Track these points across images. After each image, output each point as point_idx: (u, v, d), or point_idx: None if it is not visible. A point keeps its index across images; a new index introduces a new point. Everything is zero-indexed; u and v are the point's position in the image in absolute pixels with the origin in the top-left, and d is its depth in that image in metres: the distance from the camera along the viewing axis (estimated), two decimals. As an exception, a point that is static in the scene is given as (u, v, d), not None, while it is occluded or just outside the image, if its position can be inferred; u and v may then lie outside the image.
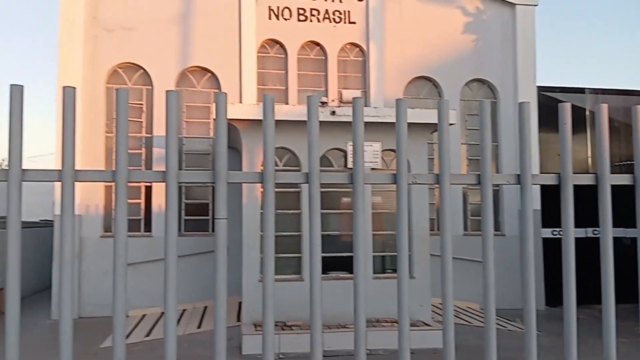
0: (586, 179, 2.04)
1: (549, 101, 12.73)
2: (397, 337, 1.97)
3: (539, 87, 12.13)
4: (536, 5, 12.17)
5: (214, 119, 8.25)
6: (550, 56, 43.20)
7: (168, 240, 1.84)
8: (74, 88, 1.84)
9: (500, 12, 12.20)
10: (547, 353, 7.14)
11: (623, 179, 2.05)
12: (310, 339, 1.89)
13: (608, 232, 2.00)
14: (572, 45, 46.67)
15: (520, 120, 1.98)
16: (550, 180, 2.02)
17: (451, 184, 1.97)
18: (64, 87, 1.81)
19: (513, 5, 12.10)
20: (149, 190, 10.75)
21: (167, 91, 1.89)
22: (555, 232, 10.95)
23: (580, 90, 12.48)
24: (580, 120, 12.87)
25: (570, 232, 1.98)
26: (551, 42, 42.77)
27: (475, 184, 1.99)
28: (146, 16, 10.96)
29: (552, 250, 10.68)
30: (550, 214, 10.34)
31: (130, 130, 10.92)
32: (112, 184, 1.84)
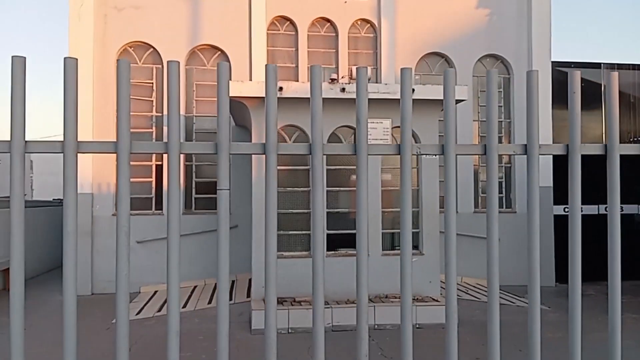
0: (595, 149, 2.00)
1: (563, 77, 12.50)
2: (400, 311, 1.96)
3: (553, 62, 11.90)
4: (552, -22, 11.85)
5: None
6: (567, 31, 42.28)
7: (171, 212, 1.84)
8: (76, 59, 1.82)
9: (515, -15, 11.91)
10: (555, 328, 7.15)
11: (633, 149, 2.01)
12: (313, 312, 1.89)
13: (616, 205, 1.96)
14: (589, 19, 45.59)
15: (528, 89, 1.94)
16: (558, 150, 1.98)
17: (457, 154, 1.93)
18: (65, 59, 1.79)
19: (528, -22, 11.81)
20: (159, 169, 10.80)
21: (168, 62, 1.87)
22: (567, 209, 10.82)
23: (597, 65, 12.21)
24: (595, 96, 12.64)
25: (577, 204, 1.94)
26: (568, 16, 41.82)
27: (482, 154, 1.95)
28: (155, -7, 10.88)
29: (564, 227, 10.58)
30: (563, 191, 10.23)
31: (141, 109, 11.03)
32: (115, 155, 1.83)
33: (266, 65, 1.86)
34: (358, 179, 1.87)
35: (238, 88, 7.98)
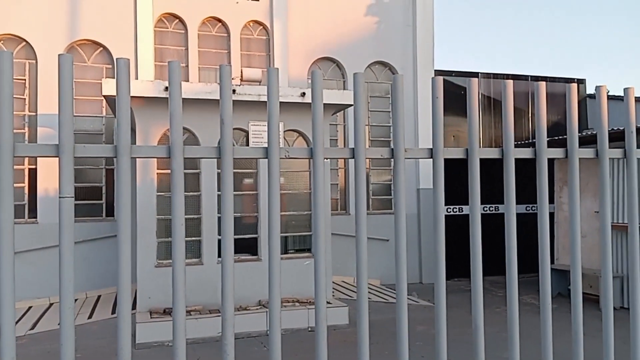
0: (457, 152, 2.07)
1: (446, 85, 13.29)
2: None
3: (436, 70, 12.61)
4: (434, -9, 12.55)
5: (105, 96, 7.73)
6: (450, 40, 45.18)
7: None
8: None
9: (401, -4, 12.45)
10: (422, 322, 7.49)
11: (491, 152, 2.11)
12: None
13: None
14: (470, 30, 49.10)
15: (392, 94, 1.96)
16: (422, 154, 2.03)
17: (325, 158, 1.91)
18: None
19: (413, -11, 12.40)
20: (33, 173, 9.92)
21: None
22: (449, 210, 11.51)
23: (474, 75, 13.12)
24: (474, 104, 13.57)
25: (440, 206, 2.00)
26: (450, 27, 44.69)
27: (350, 157, 1.95)
28: (27, -18, 9.98)
29: (449, 226, 11.24)
30: (448, 193, 10.84)
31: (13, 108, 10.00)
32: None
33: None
34: (223, 183, 1.77)
35: (120, 87, 7.52)
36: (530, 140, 12.50)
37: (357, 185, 1.94)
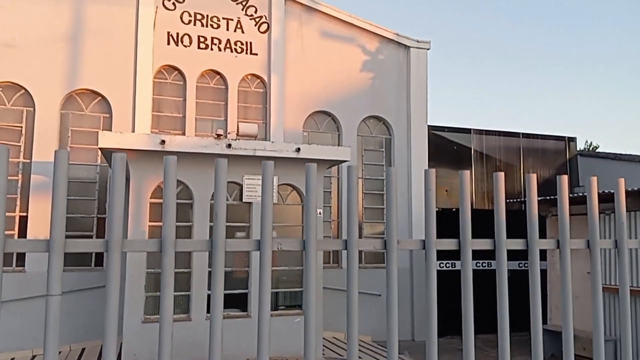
0: (450, 244, 2.08)
1: (439, 140, 13.51)
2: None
3: (430, 126, 12.82)
4: (428, 49, 12.91)
5: (100, 148, 7.77)
6: (443, 96, 46.20)
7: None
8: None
9: (396, 53, 12.80)
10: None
11: (484, 244, 2.12)
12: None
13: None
14: (463, 86, 50.29)
15: (386, 185, 1.98)
16: (415, 245, 2.03)
17: (317, 249, 1.91)
18: None
19: (407, 47, 12.76)
20: (23, 220, 9.83)
21: (56, 151, 1.62)
22: (442, 265, 11.44)
23: (467, 131, 13.36)
24: (466, 158, 13.76)
25: (432, 295, 1.99)
26: (444, 83, 45.81)
27: (343, 249, 1.95)
28: (32, 34, 10.18)
29: (442, 281, 11.18)
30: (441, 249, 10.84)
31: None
32: None
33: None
34: (213, 265, 1.76)
35: (116, 139, 7.58)
36: (521, 199, 12.59)
37: (349, 274, 1.93)
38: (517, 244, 2.17)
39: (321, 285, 8.59)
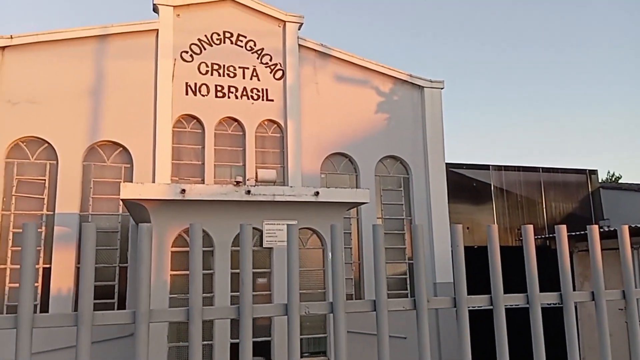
0: (481, 300, 2.02)
1: (457, 177, 13.44)
2: None
3: (448, 164, 12.78)
4: (442, 88, 13.01)
5: (122, 199, 7.86)
6: (460, 133, 46.23)
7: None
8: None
9: (410, 93, 12.91)
10: None
11: (516, 299, 2.06)
12: None
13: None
14: (479, 123, 50.35)
15: (413, 243, 1.96)
16: (445, 303, 1.99)
17: (346, 312, 1.87)
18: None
19: (421, 87, 12.87)
20: (47, 272, 9.90)
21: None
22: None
23: (485, 167, 13.29)
24: (487, 194, 13.63)
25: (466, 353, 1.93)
26: (460, 120, 45.92)
27: (372, 310, 1.91)
28: (55, 90, 10.53)
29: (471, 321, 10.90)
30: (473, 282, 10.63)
31: (31, 207, 10.23)
32: None
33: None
34: (241, 334, 1.73)
35: (137, 190, 7.68)
36: (545, 235, 12.34)
37: (379, 338, 1.88)
38: (551, 298, 2.11)
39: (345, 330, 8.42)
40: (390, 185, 12.60)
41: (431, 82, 12.90)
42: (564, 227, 2.14)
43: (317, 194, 8.44)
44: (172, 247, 8.02)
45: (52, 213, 10.24)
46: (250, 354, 1.73)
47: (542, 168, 13.61)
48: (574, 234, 8.99)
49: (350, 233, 11.96)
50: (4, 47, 10.36)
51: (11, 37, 10.39)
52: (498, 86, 49.64)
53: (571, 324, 2.09)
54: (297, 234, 1.82)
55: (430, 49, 50.15)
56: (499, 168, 13.32)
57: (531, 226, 2.09)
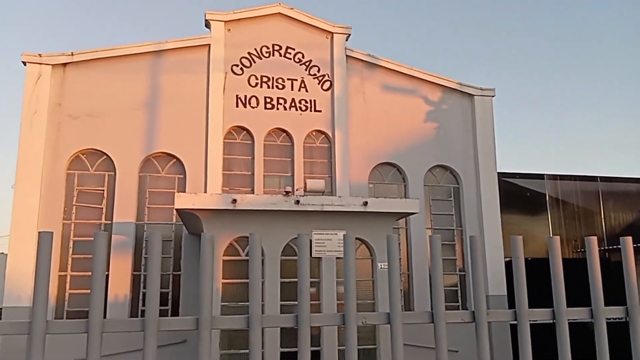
0: (543, 315, 1.97)
1: (510, 186, 13.10)
2: None
3: (500, 173, 12.47)
4: (493, 96, 12.75)
5: (176, 209, 8.10)
6: (512, 142, 45.06)
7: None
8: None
9: (460, 102, 12.72)
10: None
11: (579, 313, 1.99)
12: None
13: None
14: (532, 131, 48.92)
15: (471, 254, 1.93)
16: (505, 316, 1.94)
17: (403, 323, 1.86)
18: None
19: (471, 96, 12.66)
20: (105, 279, 10.27)
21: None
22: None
23: (540, 176, 12.88)
24: (541, 204, 13.20)
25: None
26: (512, 128, 44.79)
27: (429, 322, 1.89)
28: (112, 104, 10.99)
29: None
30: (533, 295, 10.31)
31: (90, 217, 10.69)
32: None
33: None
34: (299, 344, 1.75)
35: (191, 200, 7.89)
36: (604, 246, 11.82)
37: (438, 351, 1.86)
38: (616, 312, 2.03)
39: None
40: (439, 195, 12.42)
41: (482, 89, 12.67)
42: (629, 239, 2.06)
43: (365, 203, 8.42)
44: (223, 255, 8.17)
45: (110, 222, 10.65)
46: (308, 348, 1.74)
47: (600, 177, 13.08)
48: (635, 246, 8.58)
49: (399, 243, 11.84)
50: (65, 64, 10.92)
51: (72, 54, 10.94)
52: (551, 91, 48.09)
53: (638, 339, 2.00)
54: (354, 244, 1.83)
55: (480, 55, 49.24)
56: (554, 177, 12.89)
57: (595, 238, 2.02)
